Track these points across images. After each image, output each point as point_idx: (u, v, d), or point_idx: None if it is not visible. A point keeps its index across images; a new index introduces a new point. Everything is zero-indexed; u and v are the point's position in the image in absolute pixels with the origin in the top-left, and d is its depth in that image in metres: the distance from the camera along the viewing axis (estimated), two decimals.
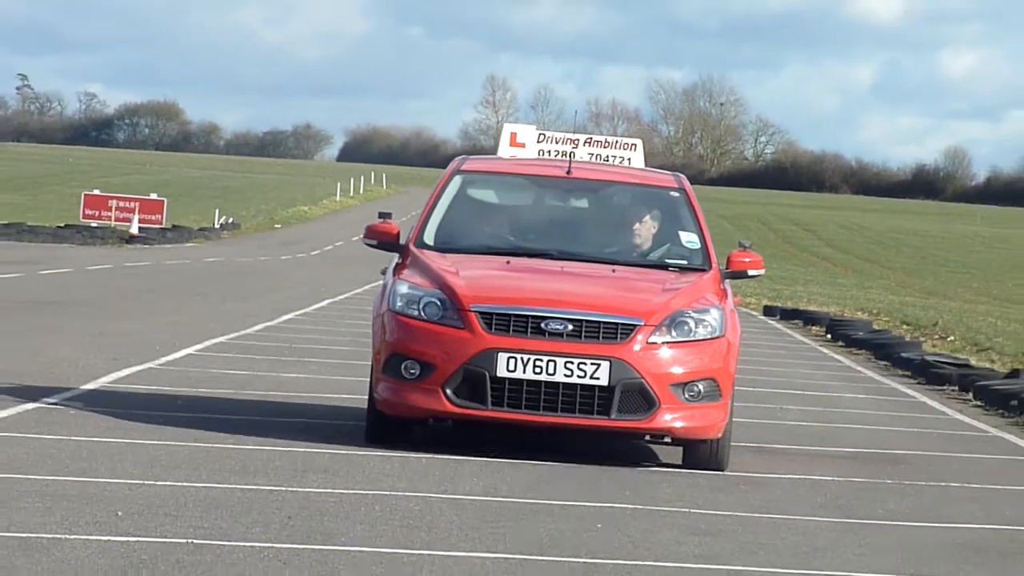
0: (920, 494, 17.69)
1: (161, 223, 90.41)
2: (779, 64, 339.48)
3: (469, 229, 19.11)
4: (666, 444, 18.50)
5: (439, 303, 17.52)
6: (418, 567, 12.12)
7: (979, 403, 27.55)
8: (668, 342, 17.53)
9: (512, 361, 17.22)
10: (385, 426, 17.98)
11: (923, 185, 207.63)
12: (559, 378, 17.22)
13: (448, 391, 17.29)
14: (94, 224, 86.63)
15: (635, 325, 17.46)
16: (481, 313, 17.37)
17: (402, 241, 18.82)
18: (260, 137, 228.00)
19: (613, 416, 17.33)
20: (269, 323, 35.19)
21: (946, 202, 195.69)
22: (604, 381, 17.26)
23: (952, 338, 42.60)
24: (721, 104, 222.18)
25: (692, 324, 17.65)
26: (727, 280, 18.89)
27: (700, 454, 17.91)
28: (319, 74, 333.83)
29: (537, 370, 17.22)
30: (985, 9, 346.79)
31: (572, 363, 17.24)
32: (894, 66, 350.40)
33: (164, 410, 19.79)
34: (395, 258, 18.73)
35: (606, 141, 21.10)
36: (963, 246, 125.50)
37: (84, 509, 13.28)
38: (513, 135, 20.77)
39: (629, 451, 18.83)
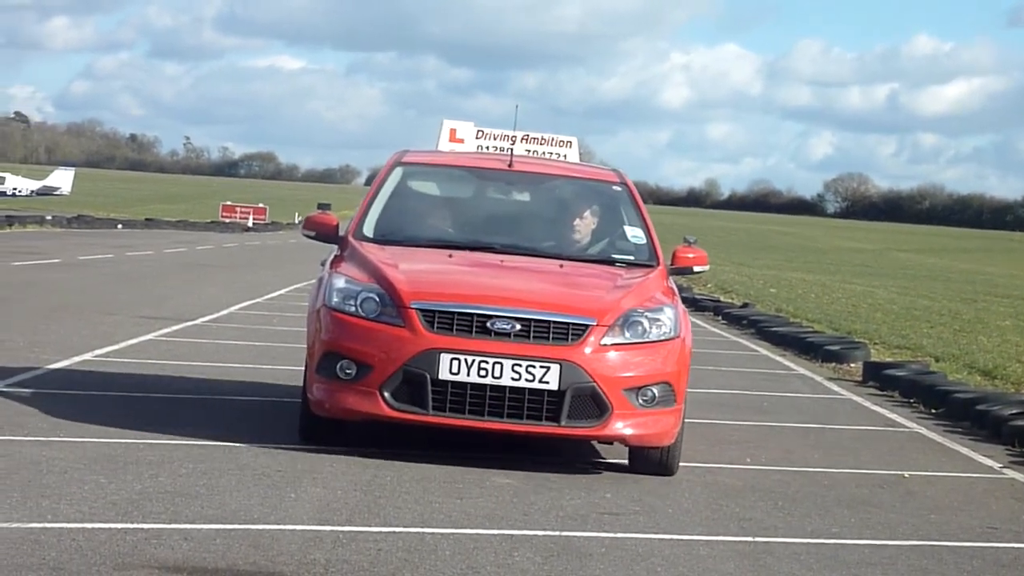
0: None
1: (265, 220, 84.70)
2: (616, 131, 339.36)
3: (409, 221, 10.05)
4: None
5: (377, 299, 8.81)
6: None
7: (725, 322, 25.99)
8: (621, 344, 8.79)
9: (455, 363, 8.55)
10: (318, 426, 9.16)
11: (694, 199, 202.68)
12: (506, 381, 8.54)
13: (386, 394, 8.62)
14: (227, 221, 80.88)
15: (587, 325, 8.72)
16: (422, 311, 8.68)
17: (341, 233, 9.98)
18: (320, 172, 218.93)
19: (563, 423, 8.61)
20: None
21: (707, 208, 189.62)
22: (554, 385, 8.56)
23: (710, 285, 38.62)
24: (580, 153, 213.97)
25: (646, 324, 8.90)
26: (672, 277, 9.97)
27: (650, 459, 9.14)
28: (357, 135, 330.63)
29: (482, 373, 8.54)
30: (735, 99, 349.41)
31: (520, 366, 8.54)
32: (681, 133, 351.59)
33: (264, 324, 18.56)
34: (334, 250, 9.89)
35: (543, 138, 11.76)
36: (718, 234, 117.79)
37: None
38: (452, 131, 11.54)
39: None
